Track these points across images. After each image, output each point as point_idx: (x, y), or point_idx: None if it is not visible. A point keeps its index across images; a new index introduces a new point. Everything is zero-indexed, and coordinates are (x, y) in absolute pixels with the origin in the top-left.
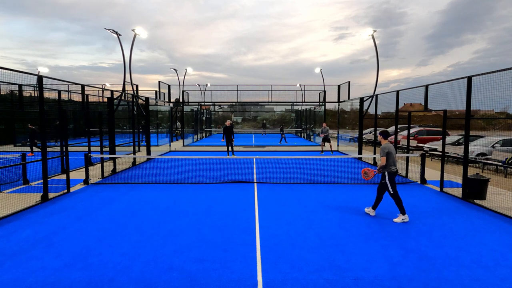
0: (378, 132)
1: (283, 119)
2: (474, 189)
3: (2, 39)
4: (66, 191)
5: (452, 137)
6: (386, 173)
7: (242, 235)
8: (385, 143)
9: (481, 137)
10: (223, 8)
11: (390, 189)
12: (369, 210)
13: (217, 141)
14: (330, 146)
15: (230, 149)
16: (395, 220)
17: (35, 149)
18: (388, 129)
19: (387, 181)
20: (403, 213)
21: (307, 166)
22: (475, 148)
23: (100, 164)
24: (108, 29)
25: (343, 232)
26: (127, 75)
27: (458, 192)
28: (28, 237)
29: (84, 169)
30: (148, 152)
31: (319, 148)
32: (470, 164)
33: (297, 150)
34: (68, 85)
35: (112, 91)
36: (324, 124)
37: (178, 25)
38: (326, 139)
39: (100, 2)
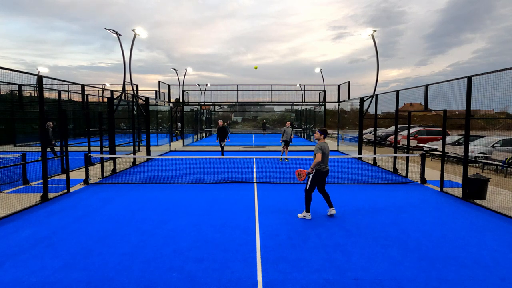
0: (317, 129)
1: (283, 119)
2: (474, 189)
3: (1, 39)
4: (66, 191)
5: (452, 137)
6: (315, 170)
7: (242, 235)
8: (322, 142)
9: (481, 137)
10: (221, 8)
11: (308, 185)
12: (330, 211)
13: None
14: (286, 151)
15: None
16: (299, 215)
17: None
18: (389, 129)
19: (310, 176)
20: (308, 210)
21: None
22: (475, 148)
23: (100, 164)
24: (108, 29)
25: (343, 232)
26: (127, 75)
27: (458, 192)
28: (28, 237)
29: (84, 169)
30: (148, 152)
31: None
32: (470, 164)
33: (297, 150)
34: (68, 85)
35: (112, 91)
36: (287, 124)
37: (177, 25)
38: (287, 143)
39: (98, 1)
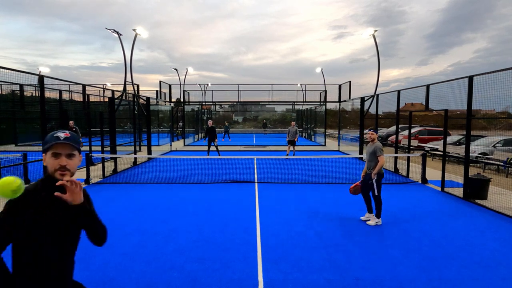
0: (369, 129)
1: (284, 118)
2: (475, 189)
3: (1, 39)
4: None
5: (453, 137)
6: (376, 174)
7: (243, 235)
8: (377, 142)
9: (482, 137)
10: (222, 8)
11: (376, 191)
12: (368, 216)
13: (218, 141)
14: (293, 148)
15: (214, 149)
16: (369, 222)
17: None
18: (390, 129)
19: (375, 182)
20: (379, 216)
21: (308, 166)
22: (476, 148)
23: (101, 164)
24: (109, 29)
25: (344, 232)
26: (128, 75)
27: (459, 192)
28: None
29: (85, 169)
30: (149, 152)
31: (321, 148)
32: (471, 164)
33: (297, 150)
34: (69, 85)
35: (113, 91)
36: (292, 123)
37: (177, 25)
38: (292, 142)
39: (98, 1)
